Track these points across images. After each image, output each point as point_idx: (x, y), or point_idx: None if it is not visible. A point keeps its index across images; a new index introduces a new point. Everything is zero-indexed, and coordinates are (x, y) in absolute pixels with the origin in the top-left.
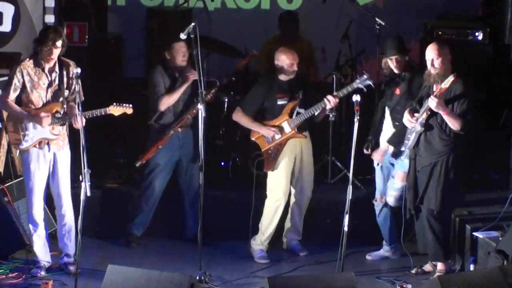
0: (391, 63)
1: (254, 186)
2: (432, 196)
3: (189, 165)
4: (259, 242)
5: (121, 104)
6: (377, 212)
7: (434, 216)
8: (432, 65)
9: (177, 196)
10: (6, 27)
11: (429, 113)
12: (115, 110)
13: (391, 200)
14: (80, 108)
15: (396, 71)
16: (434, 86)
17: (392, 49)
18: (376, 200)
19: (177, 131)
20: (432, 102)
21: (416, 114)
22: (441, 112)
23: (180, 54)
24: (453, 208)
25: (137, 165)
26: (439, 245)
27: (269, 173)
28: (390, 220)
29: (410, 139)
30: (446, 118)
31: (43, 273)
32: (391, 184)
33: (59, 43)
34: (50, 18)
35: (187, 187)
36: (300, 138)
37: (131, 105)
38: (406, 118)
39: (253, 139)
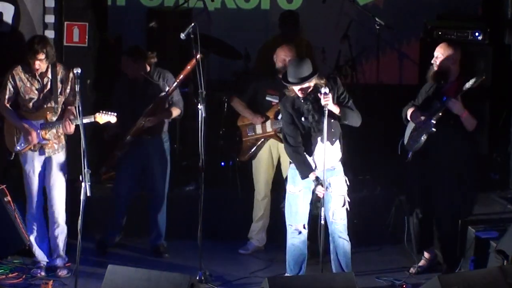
0: (296, 90)
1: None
2: (448, 200)
3: (153, 174)
4: (251, 234)
5: (106, 112)
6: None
7: (450, 220)
8: (435, 63)
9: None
10: (6, 27)
11: (440, 114)
12: (100, 118)
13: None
14: (80, 109)
15: (301, 95)
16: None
17: (293, 78)
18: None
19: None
20: (453, 105)
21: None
22: (460, 114)
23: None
24: (469, 211)
25: (102, 172)
26: (453, 248)
27: (253, 166)
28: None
29: (419, 141)
30: (464, 119)
31: (43, 273)
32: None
33: (40, 56)
34: (50, 18)
35: (149, 197)
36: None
37: (115, 113)
38: (417, 121)
39: (238, 125)
